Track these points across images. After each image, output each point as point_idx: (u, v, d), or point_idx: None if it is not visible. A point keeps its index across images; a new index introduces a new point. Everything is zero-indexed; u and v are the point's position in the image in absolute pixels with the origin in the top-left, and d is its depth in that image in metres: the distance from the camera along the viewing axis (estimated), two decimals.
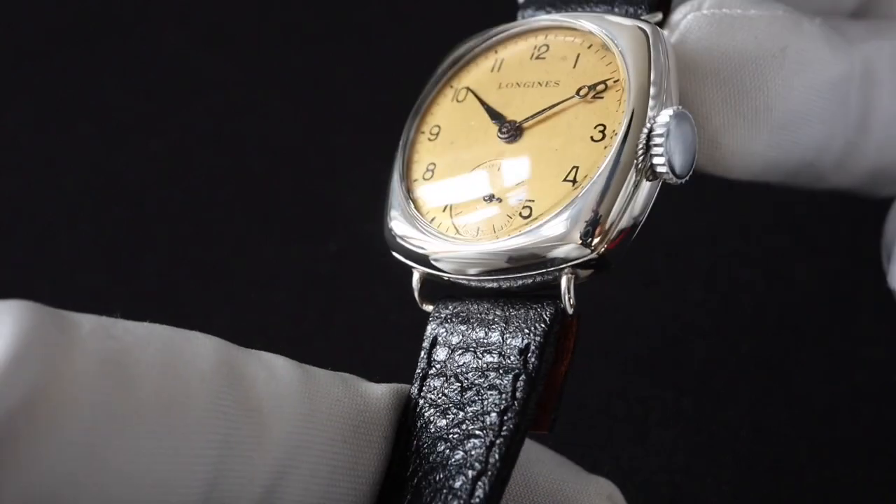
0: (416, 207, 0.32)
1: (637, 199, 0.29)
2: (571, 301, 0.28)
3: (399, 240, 0.32)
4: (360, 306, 0.43)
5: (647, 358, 0.42)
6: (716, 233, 0.44)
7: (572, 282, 0.28)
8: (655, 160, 0.28)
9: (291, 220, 0.46)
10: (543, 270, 0.29)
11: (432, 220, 0.31)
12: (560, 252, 0.28)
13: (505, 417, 0.27)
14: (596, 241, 0.28)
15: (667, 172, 0.28)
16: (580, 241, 0.28)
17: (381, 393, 0.29)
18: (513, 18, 0.35)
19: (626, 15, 0.31)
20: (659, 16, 0.31)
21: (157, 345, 0.26)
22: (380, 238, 0.32)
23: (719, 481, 0.40)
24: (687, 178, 0.29)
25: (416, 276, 0.31)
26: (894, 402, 0.41)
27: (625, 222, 0.28)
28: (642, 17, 0.31)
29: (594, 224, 0.28)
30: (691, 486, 0.39)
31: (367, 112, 0.48)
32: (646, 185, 0.29)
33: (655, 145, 0.28)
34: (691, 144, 0.29)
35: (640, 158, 0.28)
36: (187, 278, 0.44)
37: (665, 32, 0.30)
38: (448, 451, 0.27)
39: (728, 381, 0.42)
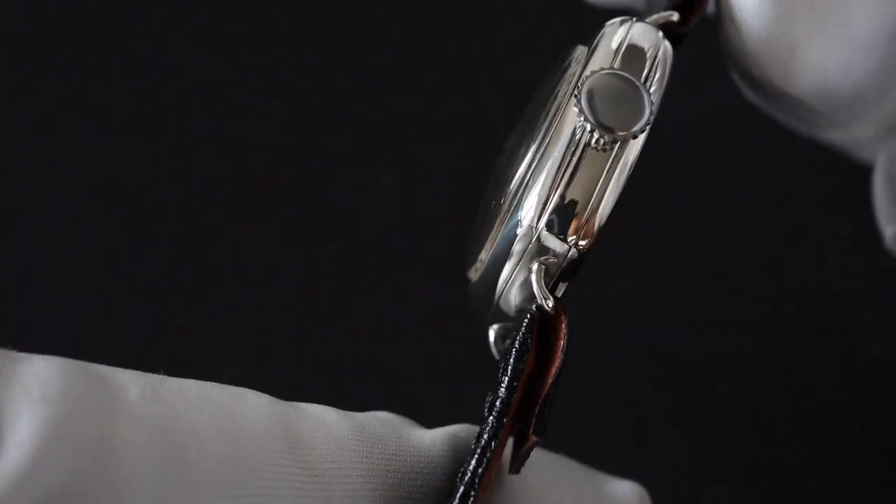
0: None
1: (589, 174, 0.27)
2: (544, 295, 0.26)
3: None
4: (359, 309, 0.43)
5: (645, 360, 0.42)
6: (714, 233, 0.44)
7: (541, 274, 0.27)
8: (578, 121, 0.27)
9: (291, 221, 0.46)
10: (512, 267, 0.27)
11: None
12: (514, 238, 0.27)
13: (482, 437, 0.26)
14: (544, 221, 0.26)
15: (595, 130, 0.26)
16: (527, 224, 0.27)
17: (430, 441, 0.28)
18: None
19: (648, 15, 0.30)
20: (671, 15, 0.30)
21: (209, 408, 0.24)
22: None
23: (721, 484, 0.40)
24: (635, 130, 0.26)
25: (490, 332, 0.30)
26: (895, 401, 0.41)
27: (582, 199, 0.26)
28: (647, 20, 0.30)
29: (542, 204, 0.27)
30: (693, 489, 0.40)
31: (368, 113, 0.48)
32: (594, 157, 0.27)
33: (574, 106, 0.27)
34: (629, 97, 0.27)
35: (579, 130, 0.27)
36: (187, 279, 0.44)
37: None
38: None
39: (728, 382, 0.42)
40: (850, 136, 0.33)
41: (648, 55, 0.28)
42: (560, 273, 0.27)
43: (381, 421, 0.27)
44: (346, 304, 0.44)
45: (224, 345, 0.43)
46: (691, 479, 0.40)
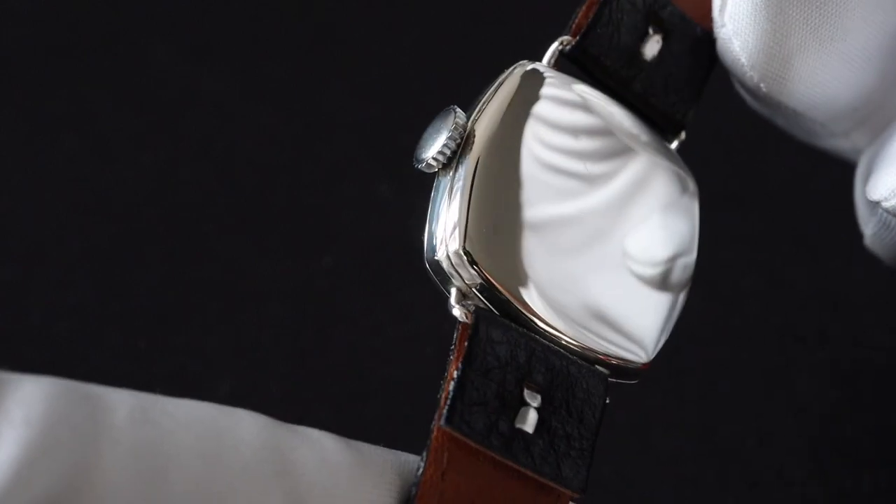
0: None
1: (434, 203, 0.29)
2: (456, 312, 0.28)
3: None
4: (356, 322, 0.43)
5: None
6: (714, 239, 0.43)
7: (458, 296, 0.28)
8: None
9: (286, 232, 0.45)
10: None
11: None
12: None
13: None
14: (433, 252, 0.28)
15: (416, 163, 0.29)
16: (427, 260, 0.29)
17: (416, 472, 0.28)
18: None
19: None
20: (560, 41, 0.31)
21: (199, 429, 0.24)
22: None
23: (722, 490, 0.40)
24: (427, 157, 0.28)
25: None
26: None
27: (441, 225, 0.28)
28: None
29: (427, 238, 0.28)
30: (697, 497, 0.39)
31: (361, 121, 0.47)
32: (439, 185, 0.29)
33: None
34: (433, 133, 0.29)
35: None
36: (180, 295, 0.44)
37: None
38: None
39: (729, 388, 0.42)
40: (852, 144, 0.33)
41: (492, 86, 0.30)
42: (478, 290, 0.28)
43: (383, 451, 0.27)
44: (343, 316, 0.44)
45: (219, 359, 0.43)
46: (693, 485, 0.40)
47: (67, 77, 0.49)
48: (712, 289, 0.43)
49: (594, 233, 0.29)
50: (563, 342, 0.28)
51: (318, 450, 0.25)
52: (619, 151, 0.30)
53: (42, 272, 0.45)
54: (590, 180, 0.30)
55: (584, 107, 0.30)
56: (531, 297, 0.28)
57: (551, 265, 0.28)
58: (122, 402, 0.24)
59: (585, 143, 0.30)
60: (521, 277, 0.28)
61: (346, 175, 0.46)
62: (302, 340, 0.43)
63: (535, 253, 0.28)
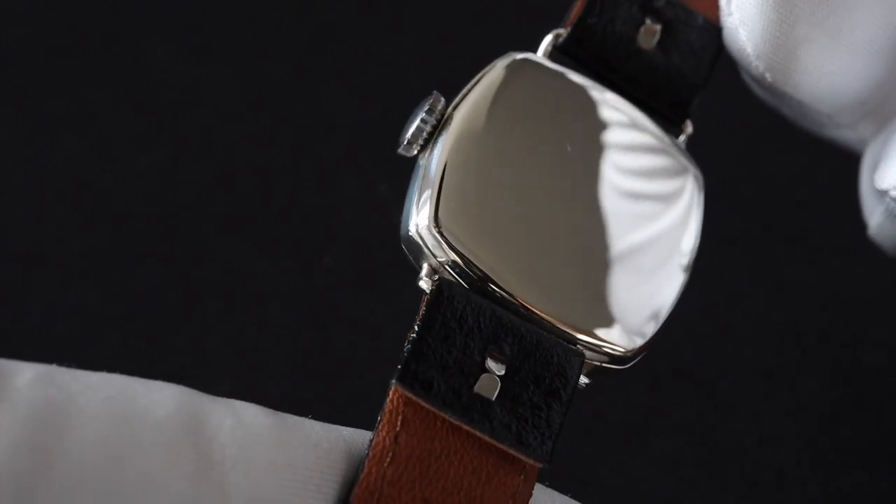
0: None
1: (420, 177, 0.29)
2: (421, 275, 0.28)
3: None
4: (355, 322, 0.43)
5: (645, 367, 0.41)
6: (713, 238, 0.43)
7: (428, 272, 0.28)
8: None
9: (285, 235, 0.45)
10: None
11: None
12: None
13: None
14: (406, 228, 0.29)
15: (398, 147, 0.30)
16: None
17: (368, 439, 0.28)
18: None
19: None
20: (554, 34, 0.31)
21: (108, 392, 0.24)
22: None
23: (721, 490, 0.40)
24: (403, 139, 0.29)
25: None
26: None
27: (413, 205, 0.29)
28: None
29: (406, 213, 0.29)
30: (697, 497, 0.39)
31: (360, 120, 0.47)
32: (418, 164, 0.30)
33: None
34: (412, 118, 0.29)
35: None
36: (180, 296, 0.44)
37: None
38: None
39: (729, 388, 0.42)
40: (858, 135, 0.33)
41: (478, 75, 0.30)
42: (450, 266, 0.28)
43: (311, 421, 0.27)
44: (343, 316, 0.43)
45: (219, 359, 0.43)
46: (691, 485, 0.40)
47: (67, 77, 0.48)
48: (712, 286, 0.43)
49: (575, 214, 0.29)
50: (547, 322, 0.28)
51: (235, 413, 0.26)
52: (623, 144, 0.31)
53: (42, 272, 0.44)
54: (579, 164, 0.30)
55: (575, 93, 0.30)
56: (507, 273, 0.28)
57: (531, 244, 0.29)
58: (28, 370, 0.24)
59: (571, 128, 0.30)
60: (493, 254, 0.28)
61: (346, 175, 0.46)
62: (302, 340, 0.43)
63: (513, 231, 0.28)
